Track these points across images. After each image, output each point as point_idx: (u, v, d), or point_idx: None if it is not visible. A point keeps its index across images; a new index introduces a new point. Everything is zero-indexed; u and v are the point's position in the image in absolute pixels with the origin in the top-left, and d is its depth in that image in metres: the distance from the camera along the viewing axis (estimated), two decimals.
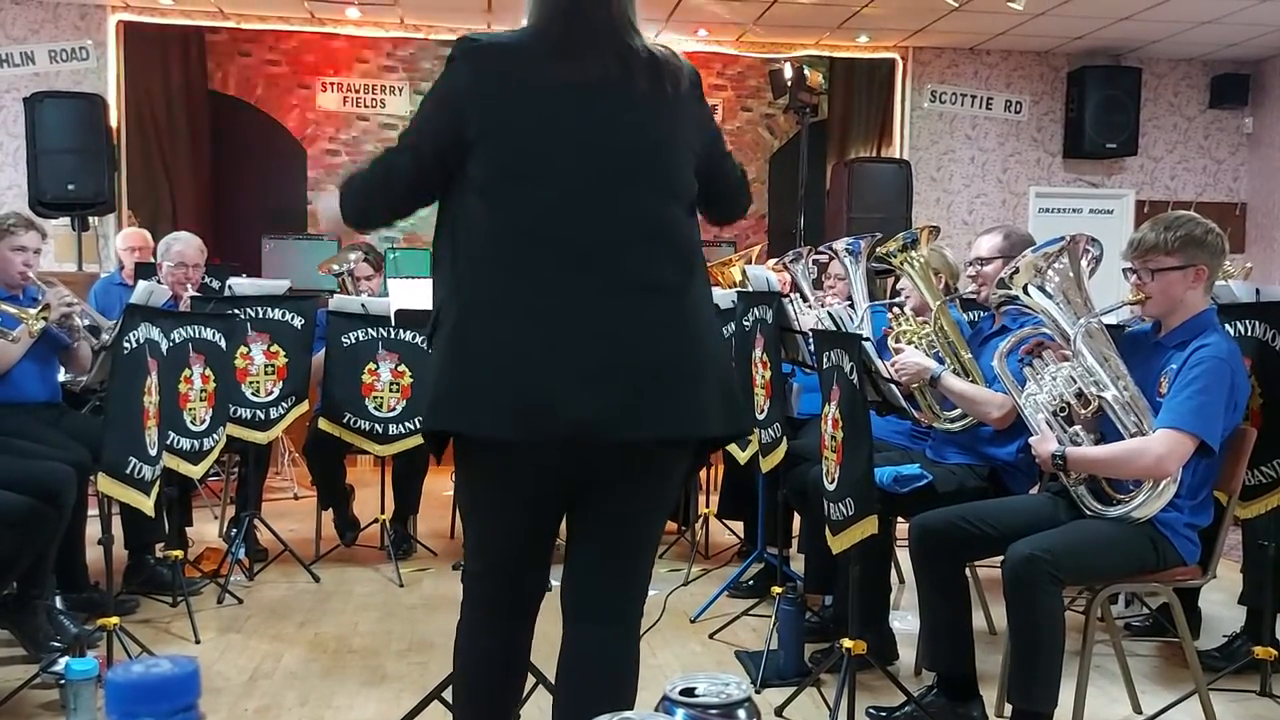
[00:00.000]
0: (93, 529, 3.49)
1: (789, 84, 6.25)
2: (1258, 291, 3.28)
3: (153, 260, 5.51)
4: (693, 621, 3.74)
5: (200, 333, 3.68)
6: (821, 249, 4.11)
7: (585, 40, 1.82)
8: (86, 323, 3.70)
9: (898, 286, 3.73)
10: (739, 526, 4.68)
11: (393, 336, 4.29)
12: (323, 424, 4.29)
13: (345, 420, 4.25)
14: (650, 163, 1.83)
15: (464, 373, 1.78)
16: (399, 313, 4.28)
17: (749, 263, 4.92)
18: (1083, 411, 2.67)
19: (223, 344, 3.79)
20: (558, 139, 1.79)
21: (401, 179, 1.89)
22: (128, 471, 3.01)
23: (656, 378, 1.78)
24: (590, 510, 1.90)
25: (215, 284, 4.63)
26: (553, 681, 1.97)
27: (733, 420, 1.92)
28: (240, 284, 4.29)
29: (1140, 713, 2.98)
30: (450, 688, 2.15)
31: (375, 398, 4.25)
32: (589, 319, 1.76)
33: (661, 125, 1.85)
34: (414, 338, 4.26)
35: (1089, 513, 2.66)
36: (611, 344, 1.76)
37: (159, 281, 4.03)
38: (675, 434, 1.82)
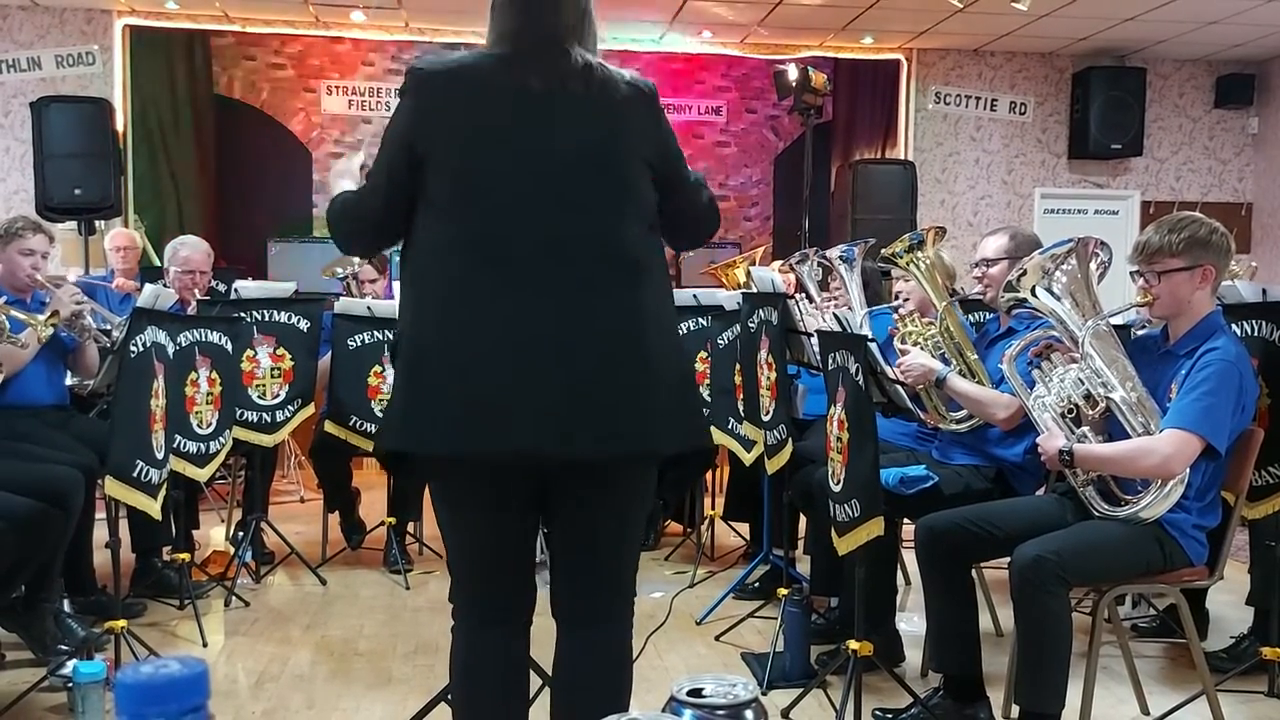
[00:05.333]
0: (100, 532, 3.50)
1: (793, 85, 6.24)
2: (1264, 291, 3.27)
3: (143, 261, 5.54)
4: (699, 623, 3.73)
5: (206, 336, 3.69)
6: (815, 257, 4.11)
7: (530, 57, 1.85)
8: (99, 323, 3.71)
9: (895, 289, 3.72)
10: (745, 528, 4.68)
11: None
12: (329, 427, 4.29)
13: (351, 423, 4.25)
14: (598, 176, 1.84)
15: (413, 392, 1.82)
16: None
17: (754, 264, 4.92)
18: (1090, 413, 2.66)
19: (229, 347, 3.80)
20: (504, 155, 1.81)
21: (371, 215, 1.95)
22: (135, 475, 3.02)
23: (603, 393, 1.78)
24: (561, 518, 1.93)
25: (221, 287, 4.64)
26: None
27: (686, 433, 1.91)
28: (246, 287, 4.30)
29: (1148, 714, 2.97)
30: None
31: (381, 400, 4.25)
32: (536, 337, 1.77)
33: (606, 137, 1.86)
34: None
35: (1096, 514, 2.66)
36: (559, 360, 1.77)
37: (165, 285, 4.04)
38: (621, 450, 1.82)
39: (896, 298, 3.63)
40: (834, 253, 3.82)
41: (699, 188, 2.02)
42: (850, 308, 3.73)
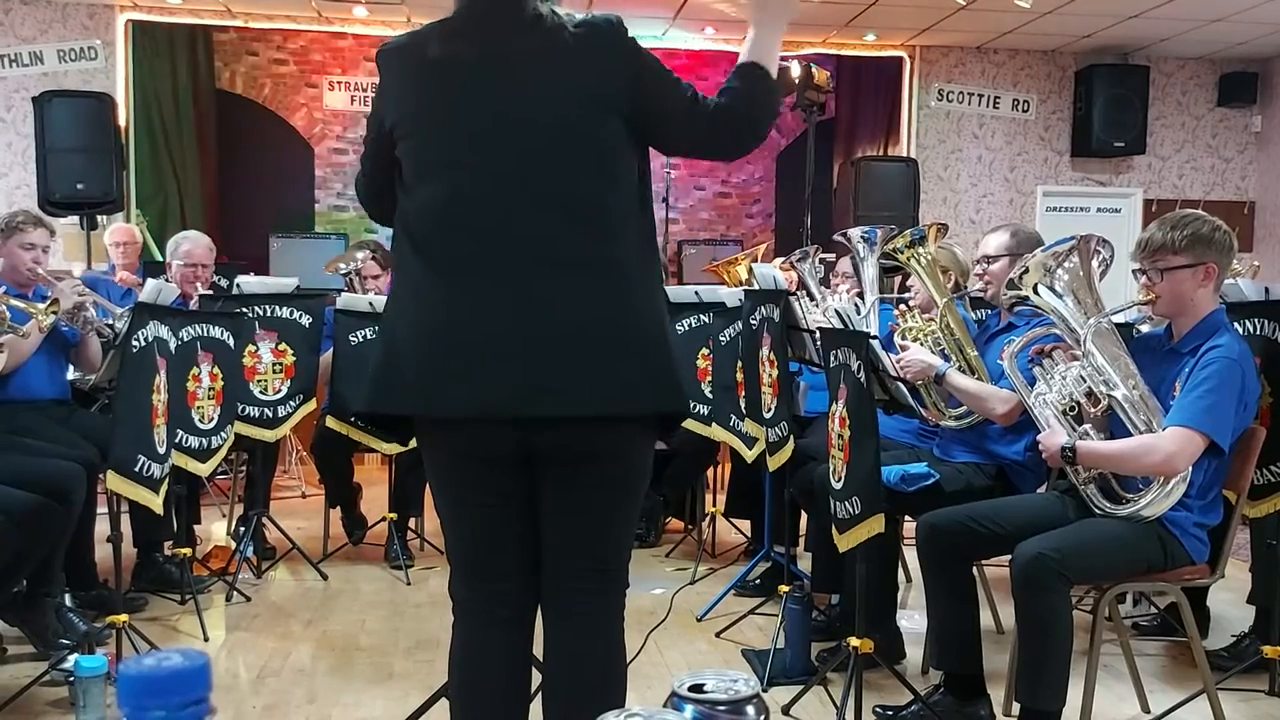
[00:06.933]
0: (102, 527, 3.50)
1: (796, 82, 6.23)
2: (1266, 290, 3.26)
3: (144, 256, 5.54)
4: (699, 620, 3.74)
5: (208, 331, 3.68)
6: (837, 235, 4.08)
7: (475, 20, 1.84)
8: (102, 315, 3.70)
9: (907, 283, 3.71)
10: (746, 525, 4.68)
11: None
12: (330, 422, 4.29)
13: (353, 419, 4.25)
14: (552, 139, 1.80)
15: (389, 356, 1.85)
16: None
17: (756, 261, 4.91)
18: (1092, 410, 2.66)
19: (231, 342, 3.80)
20: (452, 131, 1.81)
21: (367, 188, 2.02)
22: (136, 469, 3.02)
23: (574, 353, 1.76)
24: (550, 504, 1.89)
25: (223, 282, 4.64)
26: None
27: (666, 395, 1.85)
28: (248, 282, 4.29)
29: (1148, 712, 2.97)
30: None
31: None
32: (502, 301, 1.77)
33: (555, 96, 1.80)
34: None
35: (1097, 512, 2.66)
36: (526, 321, 1.76)
37: (168, 280, 4.04)
38: (594, 411, 1.78)
39: (907, 291, 3.62)
40: (855, 233, 3.79)
41: (694, 103, 1.88)
42: (861, 292, 3.71)
